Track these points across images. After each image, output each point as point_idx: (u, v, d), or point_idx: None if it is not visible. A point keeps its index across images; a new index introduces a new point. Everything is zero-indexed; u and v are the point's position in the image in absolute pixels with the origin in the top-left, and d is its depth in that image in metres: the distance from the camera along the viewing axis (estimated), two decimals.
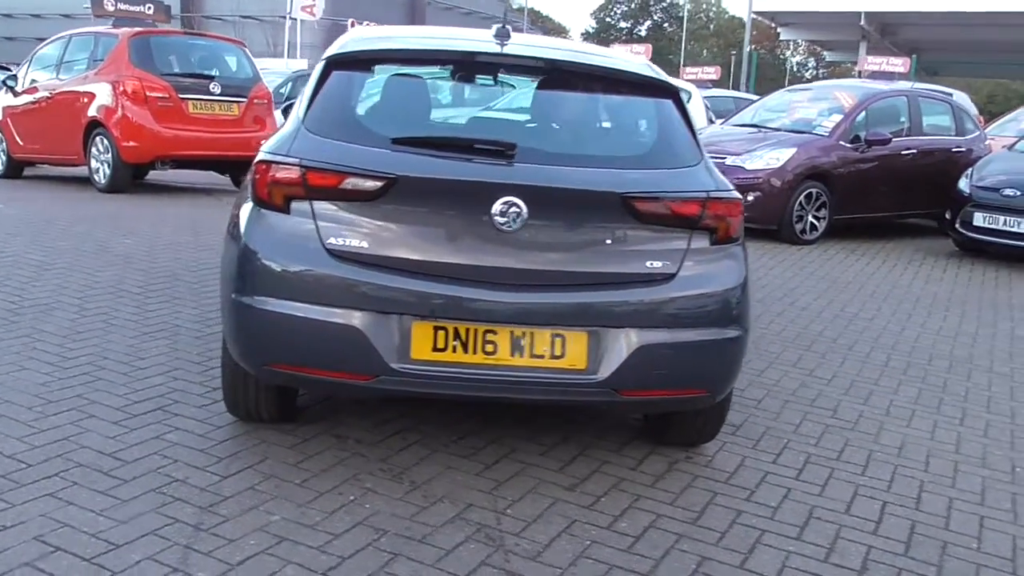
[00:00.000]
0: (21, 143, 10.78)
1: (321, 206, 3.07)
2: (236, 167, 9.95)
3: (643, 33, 76.27)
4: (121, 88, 9.42)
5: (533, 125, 3.42)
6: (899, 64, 15.70)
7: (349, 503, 3.06)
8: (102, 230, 7.36)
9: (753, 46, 40.29)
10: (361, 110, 3.29)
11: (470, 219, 3.03)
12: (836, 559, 3.00)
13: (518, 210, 2.99)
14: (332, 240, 3.04)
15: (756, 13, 34.22)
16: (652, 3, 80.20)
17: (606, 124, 3.40)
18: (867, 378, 4.92)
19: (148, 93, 9.46)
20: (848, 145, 9.30)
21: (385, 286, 3.01)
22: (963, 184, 8.98)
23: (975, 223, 8.70)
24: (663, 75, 3.52)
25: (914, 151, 9.78)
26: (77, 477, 3.11)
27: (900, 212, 10.11)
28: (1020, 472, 3.84)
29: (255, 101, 10.27)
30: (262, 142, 3.37)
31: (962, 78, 45.07)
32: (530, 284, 3.06)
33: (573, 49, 3.71)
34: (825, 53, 56.36)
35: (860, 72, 17.31)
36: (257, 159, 3.18)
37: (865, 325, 6.07)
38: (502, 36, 3.51)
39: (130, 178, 9.85)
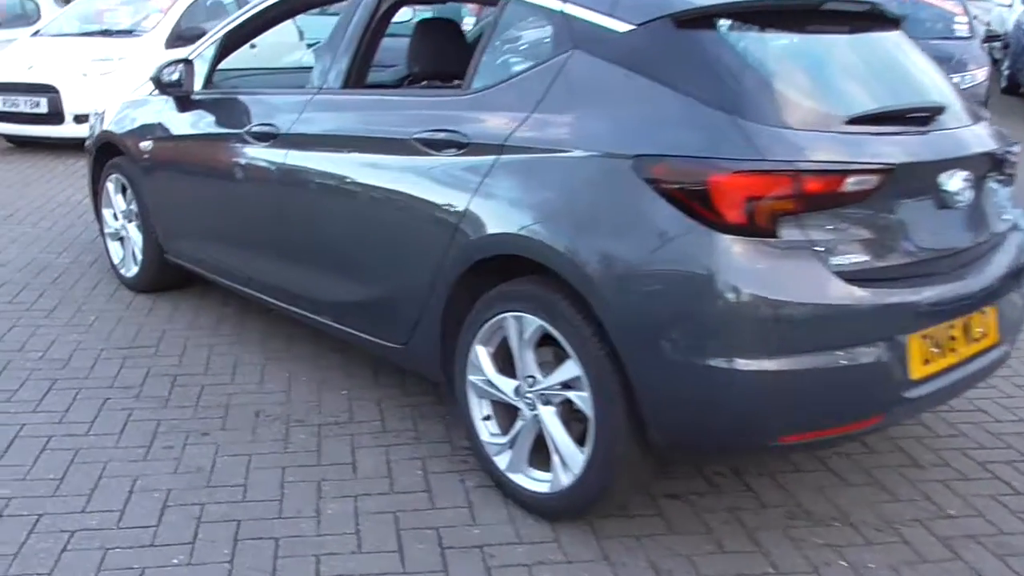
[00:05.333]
0: None
1: (812, 219, 2.32)
2: None
3: None
4: None
5: (897, 79, 2.88)
6: None
7: None
8: None
9: None
10: (773, 82, 2.46)
11: (932, 201, 2.57)
12: None
13: (970, 182, 2.61)
14: (835, 260, 2.34)
15: None
16: None
17: (920, 71, 3.01)
18: None
19: None
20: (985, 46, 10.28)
21: (899, 303, 2.43)
22: None
23: None
24: None
25: None
26: None
27: None
28: None
29: None
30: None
31: None
32: (970, 262, 2.72)
33: None
34: None
35: None
36: (715, 170, 2.24)
37: None
38: None
39: None
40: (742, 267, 2.26)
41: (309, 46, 9.72)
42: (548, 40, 2.71)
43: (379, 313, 3.17)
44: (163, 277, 4.53)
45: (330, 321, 3.42)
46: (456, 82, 3.68)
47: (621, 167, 2.39)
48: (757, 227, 2.26)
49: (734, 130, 2.30)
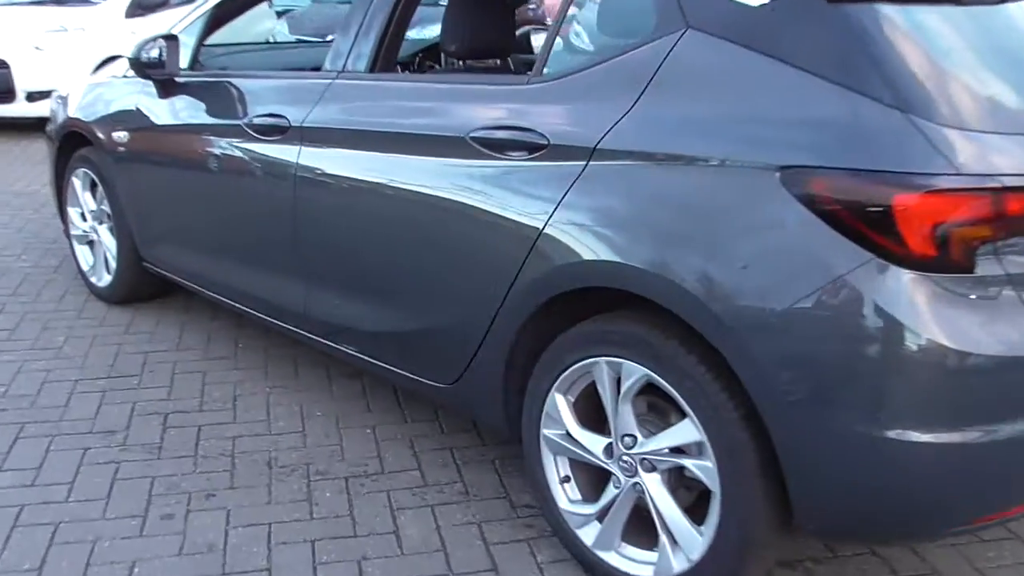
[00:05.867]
0: None
1: (1007, 248, 1.82)
2: None
3: None
4: None
5: None
6: None
7: None
8: None
9: None
10: (952, 70, 1.93)
11: None
12: None
13: None
14: None
15: None
16: None
17: None
18: None
19: None
20: None
21: None
22: None
23: None
24: None
25: None
26: None
27: None
28: None
29: None
30: None
31: None
32: None
33: None
34: None
35: None
36: (902, 188, 1.73)
37: None
38: None
39: None
40: (935, 312, 1.74)
41: (279, 14, 9.01)
42: (650, 14, 2.15)
43: (420, 346, 2.64)
44: (140, 287, 3.95)
45: (352, 351, 2.87)
46: (492, 62, 3.16)
47: (762, 181, 1.86)
48: (950, 260, 1.76)
49: (915, 134, 1.78)
